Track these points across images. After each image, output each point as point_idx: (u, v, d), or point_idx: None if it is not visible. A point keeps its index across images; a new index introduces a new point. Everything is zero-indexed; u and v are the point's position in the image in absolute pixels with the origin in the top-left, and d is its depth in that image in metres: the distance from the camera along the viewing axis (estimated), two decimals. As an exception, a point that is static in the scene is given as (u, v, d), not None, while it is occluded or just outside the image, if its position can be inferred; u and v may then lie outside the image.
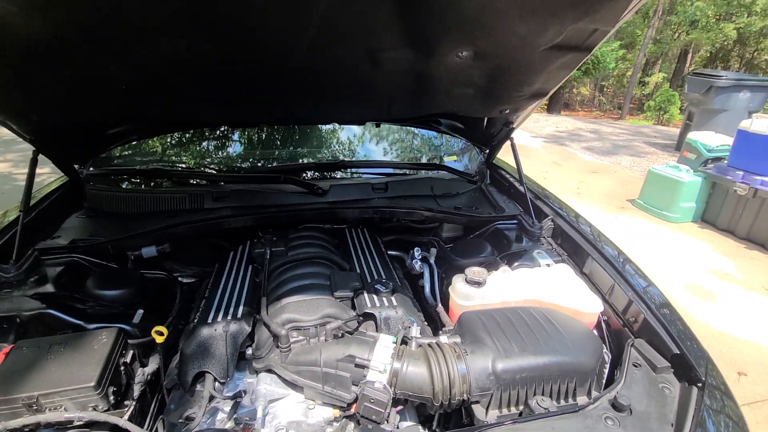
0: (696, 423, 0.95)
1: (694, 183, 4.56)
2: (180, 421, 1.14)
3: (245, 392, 1.19)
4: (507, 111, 1.69)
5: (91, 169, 1.78)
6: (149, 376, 1.24)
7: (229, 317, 1.19)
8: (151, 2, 0.95)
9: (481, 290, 1.36)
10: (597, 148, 8.30)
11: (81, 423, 1.03)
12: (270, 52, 1.25)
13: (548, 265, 1.50)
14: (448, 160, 2.21)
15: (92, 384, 1.01)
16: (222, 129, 1.96)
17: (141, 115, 1.49)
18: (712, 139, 4.77)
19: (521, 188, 1.93)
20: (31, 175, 1.50)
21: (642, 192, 5.16)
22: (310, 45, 1.22)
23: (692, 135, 5.04)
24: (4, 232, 1.45)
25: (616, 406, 0.98)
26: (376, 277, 1.40)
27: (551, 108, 13.54)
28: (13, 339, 1.21)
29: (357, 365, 1.05)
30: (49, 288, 1.32)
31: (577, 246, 1.55)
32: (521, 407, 1.05)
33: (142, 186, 1.82)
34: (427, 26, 1.15)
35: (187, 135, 1.95)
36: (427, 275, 1.66)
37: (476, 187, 2.06)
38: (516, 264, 1.54)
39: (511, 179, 2.05)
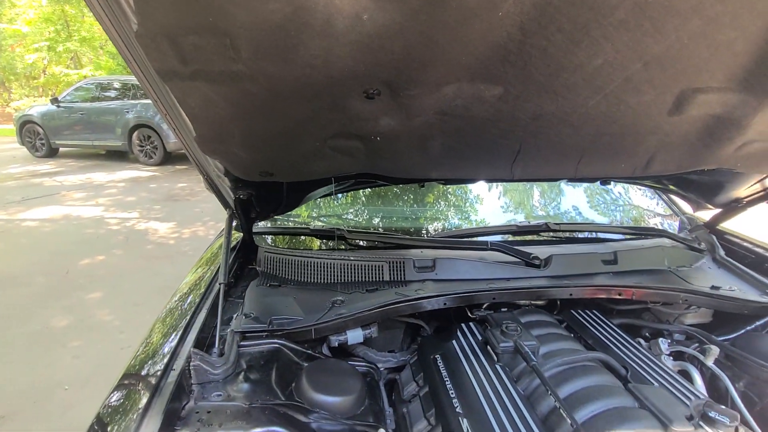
0: None
1: None
2: None
3: None
4: (804, 167, 1.31)
5: (267, 225, 1.55)
6: None
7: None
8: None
9: None
10: None
11: None
12: (568, 97, 0.97)
13: None
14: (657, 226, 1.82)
15: None
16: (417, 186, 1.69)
17: (367, 173, 1.24)
18: None
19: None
20: (228, 243, 1.26)
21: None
22: (619, 86, 0.93)
23: None
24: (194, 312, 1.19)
25: None
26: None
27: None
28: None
29: None
30: (260, 390, 1.02)
31: None
32: None
33: (328, 250, 1.55)
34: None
35: (381, 192, 1.70)
36: (697, 378, 1.24)
37: (708, 259, 1.65)
38: None
39: (759, 250, 1.63)
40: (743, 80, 0.95)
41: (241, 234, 1.58)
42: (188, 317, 1.14)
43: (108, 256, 4.48)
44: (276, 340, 1.15)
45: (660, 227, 1.74)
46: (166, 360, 0.98)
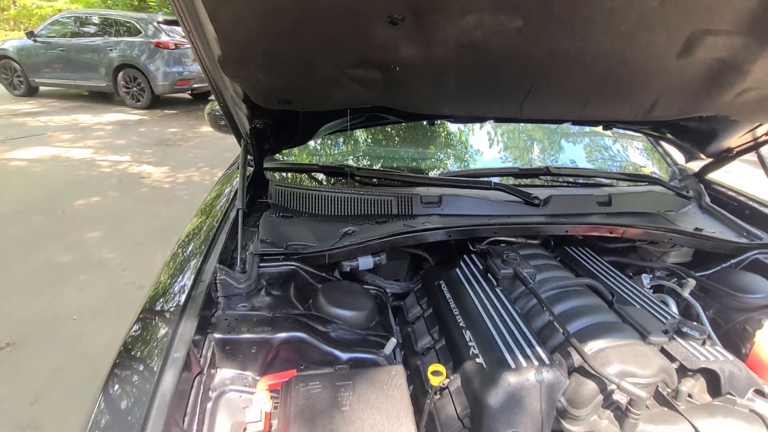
0: None
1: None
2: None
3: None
4: (795, 117, 1.38)
5: (282, 160, 1.58)
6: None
7: (534, 361, 0.94)
8: None
9: (821, 345, 1.06)
10: None
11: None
12: (583, 34, 1.00)
13: None
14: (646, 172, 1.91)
15: (413, 442, 0.78)
16: (424, 126, 1.73)
17: (380, 105, 1.27)
18: None
19: (764, 209, 1.61)
20: (245, 171, 1.30)
21: None
22: (634, 24, 0.96)
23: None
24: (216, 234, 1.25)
25: None
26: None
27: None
28: (262, 364, 1.00)
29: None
30: (281, 303, 1.11)
31: None
32: None
33: (341, 186, 1.60)
34: None
35: (389, 128, 1.73)
36: (672, 306, 1.38)
37: (694, 206, 1.75)
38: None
39: (742, 198, 1.73)
40: (749, 24, 0.98)
41: (252, 168, 1.61)
42: (210, 239, 1.20)
43: (103, 197, 4.46)
44: (292, 263, 1.23)
45: (653, 176, 1.82)
46: (194, 275, 1.05)
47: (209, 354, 0.93)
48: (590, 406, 0.90)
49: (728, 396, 0.89)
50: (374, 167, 1.71)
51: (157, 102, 8.69)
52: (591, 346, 0.97)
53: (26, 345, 2.42)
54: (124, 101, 8.65)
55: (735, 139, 1.59)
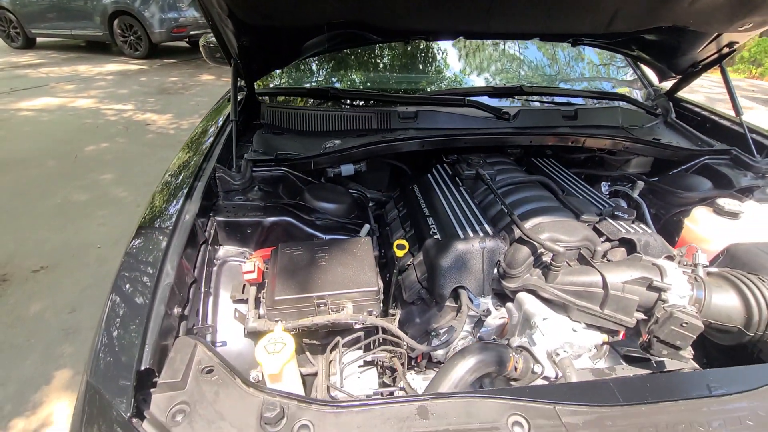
0: None
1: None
2: (432, 334, 1.13)
3: (489, 312, 1.15)
4: (750, 26, 1.45)
5: (271, 86, 1.71)
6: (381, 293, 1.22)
7: (480, 233, 1.13)
8: None
9: (735, 225, 1.23)
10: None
11: (361, 326, 1.02)
12: None
13: (795, 203, 1.33)
14: (621, 92, 2.00)
15: (375, 289, 0.98)
16: (400, 46, 1.82)
17: (352, 20, 1.37)
18: None
19: (724, 122, 1.72)
20: (236, 87, 1.45)
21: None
22: None
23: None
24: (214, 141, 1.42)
25: None
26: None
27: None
28: (256, 242, 1.20)
29: (651, 288, 0.97)
30: (272, 197, 1.30)
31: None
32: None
33: (327, 106, 1.74)
34: None
35: (368, 53, 1.83)
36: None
37: (660, 122, 1.86)
38: (748, 200, 1.38)
39: (705, 113, 1.83)
40: None
41: (244, 93, 1.74)
42: (207, 146, 1.37)
43: (111, 143, 4.63)
44: (282, 168, 1.40)
45: (621, 94, 1.92)
46: (195, 170, 1.23)
47: (212, 231, 1.13)
48: (524, 266, 1.09)
49: (636, 254, 1.08)
50: (357, 88, 1.83)
51: (155, 51, 8.60)
52: (530, 222, 1.15)
53: (58, 268, 2.70)
54: (123, 51, 8.56)
55: (698, 53, 1.66)
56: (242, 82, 1.64)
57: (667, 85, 2.00)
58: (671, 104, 1.92)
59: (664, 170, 1.69)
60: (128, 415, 0.66)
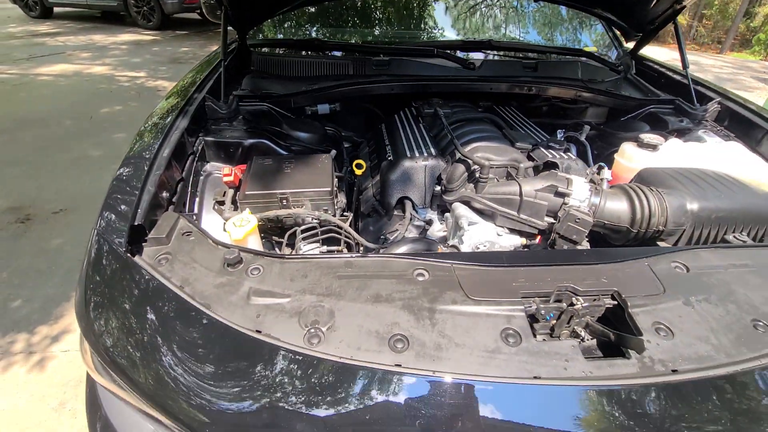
0: None
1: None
2: (382, 238, 1.34)
3: (432, 221, 1.35)
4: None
5: (259, 37, 1.90)
6: (344, 206, 1.43)
7: (425, 154, 1.32)
8: None
9: (654, 156, 1.40)
10: (696, 81, 7.50)
11: (315, 222, 1.24)
12: None
13: (719, 143, 1.49)
14: (588, 50, 2.13)
15: (328, 189, 1.19)
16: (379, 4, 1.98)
17: None
18: None
19: (676, 77, 1.86)
20: (225, 32, 1.64)
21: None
22: None
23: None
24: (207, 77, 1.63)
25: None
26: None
27: (640, 37, 12.13)
28: (237, 160, 1.42)
29: (558, 194, 1.15)
30: (254, 127, 1.51)
31: (749, 126, 1.52)
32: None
33: (310, 54, 1.93)
34: None
35: (345, 7, 2.00)
36: (573, 152, 1.71)
37: (621, 77, 2.00)
38: (676, 138, 1.54)
39: (662, 69, 1.97)
40: None
41: (237, 44, 1.93)
42: (198, 82, 1.58)
43: (124, 107, 4.88)
44: (266, 103, 1.60)
45: (584, 50, 2.05)
46: (186, 99, 1.43)
47: (200, 147, 1.35)
48: (459, 181, 1.29)
49: (552, 171, 1.26)
50: (338, 40, 2.01)
51: (168, 22, 8.78)
52: (469, 147, 1.33)
53: (76, 211, 2.98)
54: (136, 21, 8.76)
55: (654, 9, 1.80)
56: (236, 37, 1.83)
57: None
58: (633, 62, 2.06)
59: (617, 119, 1.84)
60: (124, 250, 0.89)
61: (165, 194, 1.09)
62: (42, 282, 2.35)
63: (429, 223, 1.34)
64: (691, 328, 0.80)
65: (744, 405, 0.70)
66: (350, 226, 1.31)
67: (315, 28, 2.10)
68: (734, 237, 1.08)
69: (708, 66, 8.78)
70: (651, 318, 0.81)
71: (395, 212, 1.34)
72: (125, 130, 4.25)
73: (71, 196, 3.15)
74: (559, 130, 1.84)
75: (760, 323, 0.82)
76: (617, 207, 1.13)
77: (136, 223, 0.95)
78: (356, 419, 0.67)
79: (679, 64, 1.86)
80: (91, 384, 1.01)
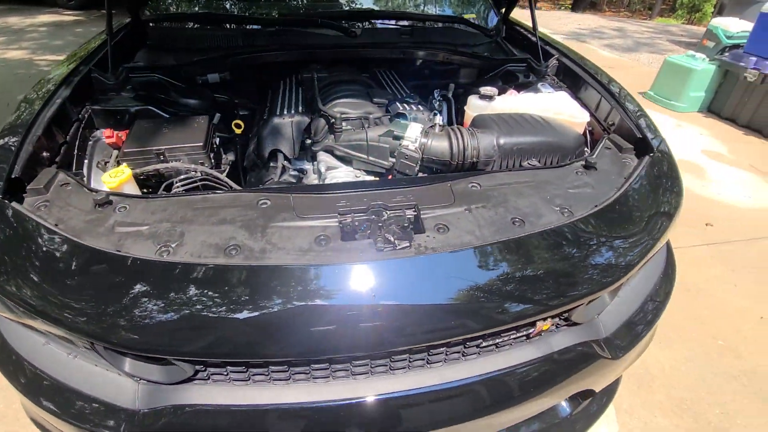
0: (639, 175, 1.29)
1: (706, 71, 4.60)
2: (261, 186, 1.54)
3: (306, 170, 1.57)
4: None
5: (147, 14, 2.00)
6: (230, 162, 1.61)
7: (292, 112, 1.53)
8: None
9: (492, 104, 1.66)
10: (617, 45, 8.03)
11: (193, 174, 1.42)
12: None
13: (549, 93, 1.78)
14: (468, 17, 2.37)
15: (201, 144, 1.37)
16: None
17: None
18: (734, 25, 4.69)
19: (533, 39, 2.13)
20: (110, 6, 1.74)
21: (654, 84, 5.20)
22: None
23: (715, 21, 4.92)
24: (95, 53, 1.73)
25: (586, 165, 1.32)
26: (403, 101, 1.71)
27: (576, 6, 12.63)
28: (126, 127, 1.56)
29: (395, 137, 1.40)
30: (142, 95, 1.64)
31: (576, 78, 1.82)
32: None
33: (202, 27, 2.05)
34: None
35: None
36: (445, 108, 1.97)
37: (492, 41, 2.26)
38: (522, 92, 1.82)
39: (527, 33, 2.24)
40: None
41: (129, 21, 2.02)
42: (86, 56, 1.68)
43: (45, 91, 4.71)
44: (156, 74, 1.73)
45: (460, 17, 2.29)
46: (70, 70, 1.54)
47: (86, 115, 1.48)
48: (322, 132, 1.51)
49: (396, 120, 1.50)
50: (228, 13, 2.15)
51: (91, 1, 8.29)
52: (335, 101, 1.54)
53: None
54: (56, 1, 8.22)
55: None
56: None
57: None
58: (504, 27, 2.32)
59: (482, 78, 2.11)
60: (1, 197, 1.04)
61: (46, 154, 1.24)
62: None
63: (303, 172, 1.56)
64: (464, 225, 1.06)
65: (479, 272, 0.98)
66: (230, 178, 1.50)
67: (210, 2, 2.20)
68: (528, 163, 1.37)
69: (631, 31, 9.35)
70: (435, 221, 1.06)
71: (271, 164, 1.54)
72: (47, 115, 4.14)
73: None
74: (435, 90, 2.08)
75: (517, 219, 1.09)
76: (440, 145, 1.39)
77: (13, 176, 1.10)
78: (184, 304, 0.88)
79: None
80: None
